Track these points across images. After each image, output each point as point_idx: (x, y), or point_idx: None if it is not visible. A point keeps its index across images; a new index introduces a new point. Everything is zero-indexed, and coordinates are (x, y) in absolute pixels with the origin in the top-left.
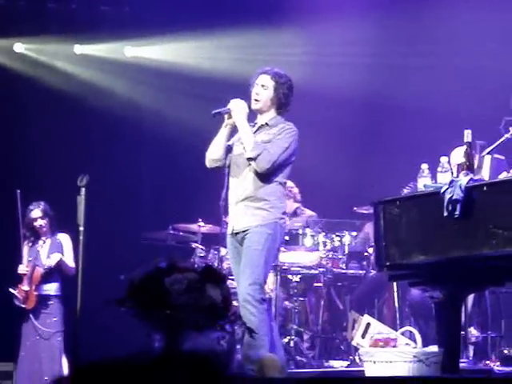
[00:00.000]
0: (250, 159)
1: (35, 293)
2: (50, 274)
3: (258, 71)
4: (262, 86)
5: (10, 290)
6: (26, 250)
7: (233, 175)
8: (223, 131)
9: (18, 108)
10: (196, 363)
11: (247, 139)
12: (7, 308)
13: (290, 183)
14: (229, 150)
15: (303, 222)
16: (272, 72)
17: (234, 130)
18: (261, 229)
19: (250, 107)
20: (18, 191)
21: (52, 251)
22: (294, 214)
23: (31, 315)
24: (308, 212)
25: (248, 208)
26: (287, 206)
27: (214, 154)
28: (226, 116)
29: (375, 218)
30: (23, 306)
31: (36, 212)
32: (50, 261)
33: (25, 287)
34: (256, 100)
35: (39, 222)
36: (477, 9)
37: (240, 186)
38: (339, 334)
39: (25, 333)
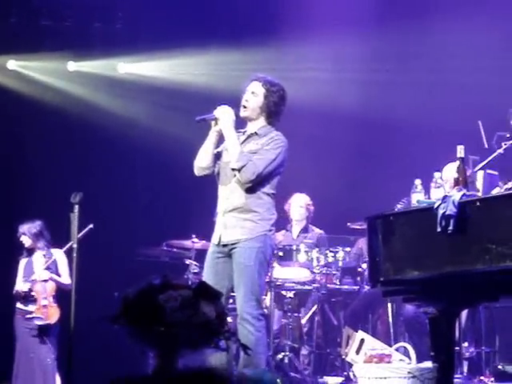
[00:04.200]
0: (233, 170)
1: (54, 305)
2: None
3: (250, 77)
4: (252, 92)
5: (27, 316)
6: (21, 265)
7: (221, 184)
8: (211, 138)
9: (10, 125)
10: (191, 381)
11: (233, 149)
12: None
13: (308, 200)
14: (217, 156)
15: (314, 239)
16: (264, 79)
17: (222, 137)
18: (250, 243)
19: (238, 114)
20: (91, 225)
21: (46, 267)
22: (305, 230)
23: (30, 329)
24: (317, 230)
25: (237, 220)
26: (303, 221)
27: (202, 162)
28: (212, 123)
29: (369, 234)
30: (47, 322)
31: (19, 231)
32: (42, 276)
33: (43, 302)
34: (244, 106)
35: (21, 239)
36: (470, 24)
37: (228, 196)
38: (333, 349)
39: (19, 348)
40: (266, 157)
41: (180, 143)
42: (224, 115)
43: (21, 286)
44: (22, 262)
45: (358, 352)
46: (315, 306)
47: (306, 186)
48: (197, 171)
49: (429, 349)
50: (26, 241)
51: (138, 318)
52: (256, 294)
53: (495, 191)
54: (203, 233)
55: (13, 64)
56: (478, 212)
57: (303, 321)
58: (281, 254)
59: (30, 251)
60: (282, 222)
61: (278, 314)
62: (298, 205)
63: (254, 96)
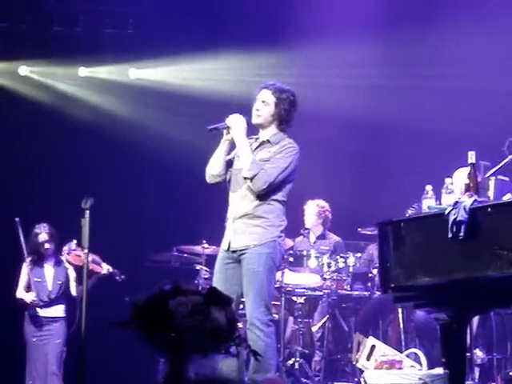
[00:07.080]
0: (246, 178)
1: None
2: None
3: (260, 85)
4: (263, 101)
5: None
6: (26, 272)
7: (232, 191)
8: (222, 146)
9: (22, 130)
10: None
11: (245, 157)
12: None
13: (325, 204)
14: (229, 164)
15: (330, 246)
16: (274, 87)
17: (234, 144)
18: (259, 249)
19: (249, 122)
20: (17, 219)
21: (58, 273)
22: (322, 236)
23: (37, 336)
24: (334, 237)
25: (246, 226)
26: (318, 228)
27: (213, 170)
28: (224, 131)
29: (379, 240)
30: (67, 258)
31: (43, 236)
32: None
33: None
34: (256, 115)
35: (46, 246)
36: (481, 29)
37: (239, 202)
38: (344, 355)
39: (29, 356)
40: (278, 165)
41: (190, 149)
42: (236, 124)
43: (23, 293)
44: (28, 267)
45: (368, 358)
46: (326, 316)
47: (316, 191)
48: (209, 179)
49: (440, 355)
50: (50, 246)
51: (149, 324)
52: (265, 300)
53: (506, 197)
54: (213, 238)
55: (24, 70)
56: (489, 218)
57: (315, 328)
58: (291, 259)
59: (43, 257)
60: (301, 227)
61: (289, 320)
62: (310, 213)
63: (264, 105)
